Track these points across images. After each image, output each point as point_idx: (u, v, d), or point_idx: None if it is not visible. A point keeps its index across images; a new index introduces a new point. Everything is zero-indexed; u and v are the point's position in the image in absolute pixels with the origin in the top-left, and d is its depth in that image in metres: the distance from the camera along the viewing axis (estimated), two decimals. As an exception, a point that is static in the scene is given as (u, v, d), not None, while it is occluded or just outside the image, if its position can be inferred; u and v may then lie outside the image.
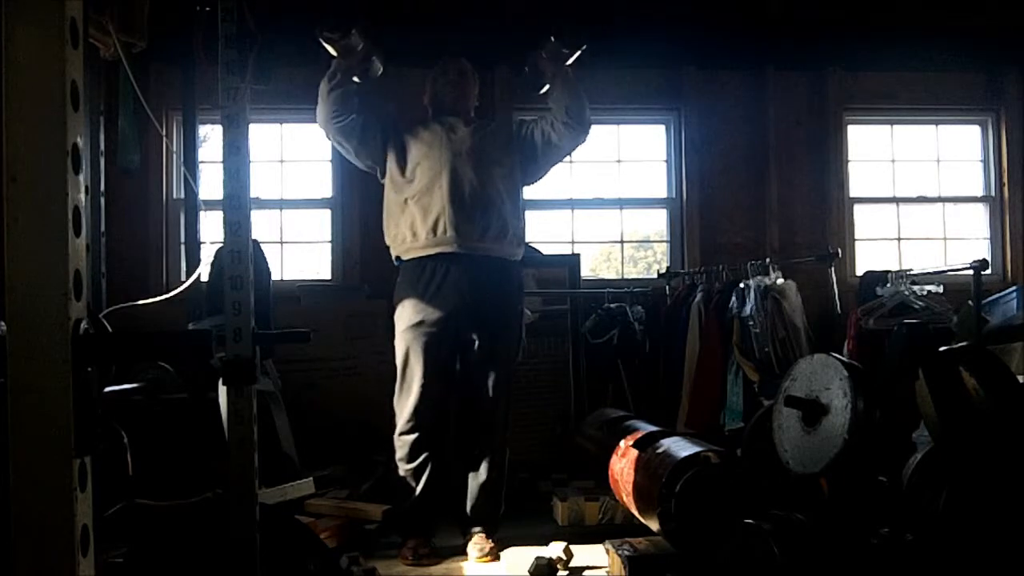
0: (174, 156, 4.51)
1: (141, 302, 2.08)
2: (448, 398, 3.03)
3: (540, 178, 3.21)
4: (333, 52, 2.89)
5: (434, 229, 2.89)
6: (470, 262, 2.89)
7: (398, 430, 2.95)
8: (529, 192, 4.76)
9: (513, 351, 3.09)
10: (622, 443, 2.87)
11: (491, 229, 2.93)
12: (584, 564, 2.70)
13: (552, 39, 2.95)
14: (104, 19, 2.17)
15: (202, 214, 3.80)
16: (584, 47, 2.95)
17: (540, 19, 3.98)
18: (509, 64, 3.96)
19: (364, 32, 2.87)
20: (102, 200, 2.98)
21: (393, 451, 2.97)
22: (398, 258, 3.02)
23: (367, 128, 3.00)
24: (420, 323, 2.89)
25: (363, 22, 2.85)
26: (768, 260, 3.92)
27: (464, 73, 3.14)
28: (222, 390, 1.64)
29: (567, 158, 4.82)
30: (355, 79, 2.96)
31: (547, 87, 3.06)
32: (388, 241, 3.04)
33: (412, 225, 2.92)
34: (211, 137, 4.63)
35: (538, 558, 2.61)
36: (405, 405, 2.93)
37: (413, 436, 2.91)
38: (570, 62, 2.99)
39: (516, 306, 3.10)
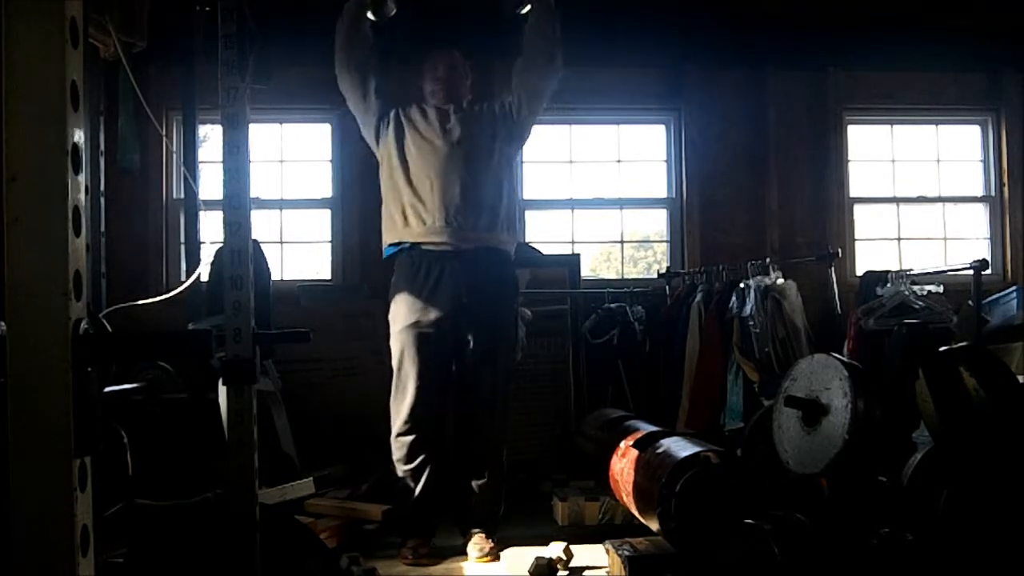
0: (174, 156, 4.51)
1: (141, 302, 2.09)
2: (445, 399, 3.03)
3: (530, 130, 3.15)
4: None
5: (425, 219, 2.90)
6: (463, 257, 2.90)
7: (395, 431, 2.95)
8: (529, 192, 4.82)
9: (510, 350, 3.09)
10: (622, 443, 2.87)
11: (482, 219, 2.93)
12: (584, 564, 2.70)
13: None
14: (104, 19, 2.17)
15: (202, 214, 3.79)
16: None
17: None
18: (508, 60, 3.95)
19: None
20: (102, 200, 2.98)
21: (392, 452, 2.97)
22: (389, 245, 3.01)
23: (379, 73, 3.05)
24: (415, 323, 2.89)
25: None
26: (768, 260, 3.92)
27: (455, 67, 3.14)
28: (222, 390, 1.64)
29: (567, 156, 4.88)
30: (370, 15, 2.99)
31: (527, 8, 3.02)
32: (383, 227, 3.05)
33: (403, 211, 2.94)
34: (211, 137, 4.63)
35: (538, 558, 2.61)
36: (401, 406, 2.93)
37: (410, 437, 2.91)
38: None
39: (512, 305, 3.10)
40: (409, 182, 2.94)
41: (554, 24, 2.98)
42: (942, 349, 2.12)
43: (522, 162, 4.70)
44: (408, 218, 2.93)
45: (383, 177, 3.05)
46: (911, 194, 5.07)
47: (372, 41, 3.03)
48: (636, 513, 2.70)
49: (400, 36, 3.30)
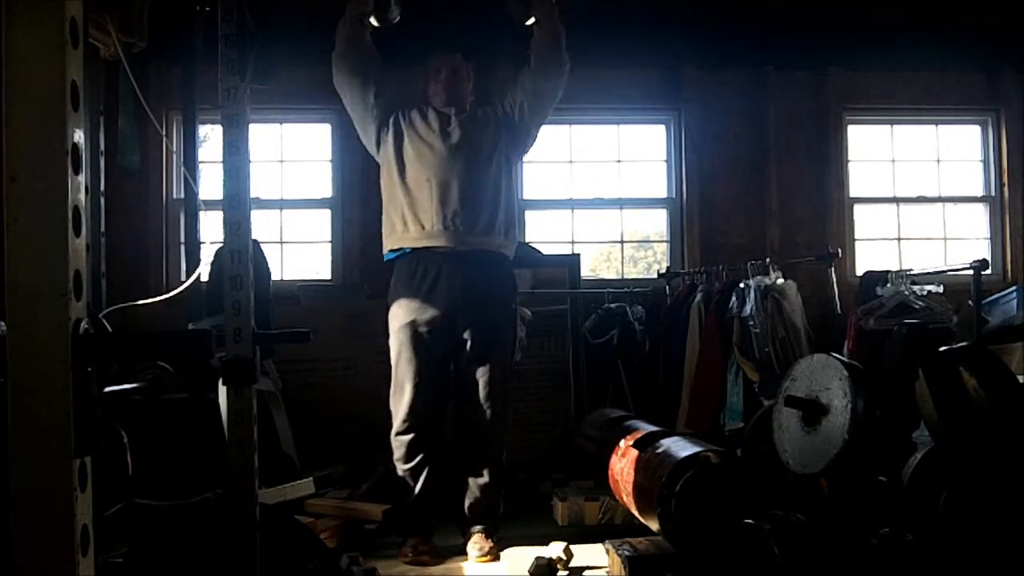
0: (174, 156, 4.51)
1: (141, 302, 2.08)
2: (443, 397, 3.03)
3: (533, 141, 3.18)
4: None
5: (423, 223, 2.90)
6: (461, 259, 2.90)
7: (394, 430, 2.95)
8: (529, 192, 4.82)
9: (508, 350, 3.09)
10: (622, 443, 2.87)
11: (480, 222, 2.94)
12: (584, 564, 2.70)
13: None
14: (104, 19, 2.16)
15: (202, 214, 3.79)
16: None
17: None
18: (509, 62, 3.97)
19: None
20: (102, 200, 2.98)
21: (392, 451, 2.98)
22: (390, 251, 3.02)
23: (379, 79, 3.02)
24: (413, 322, 2.90)
25: None
26: (768, 260, 3.92)
27: (456, 70, 3.14)
28: (222, 390, 1.64)
29: (567, 156, 4.88)
30: (373, 22, 2.99)
31: (532, 20, 3.04)
32: (383, 233, 3.05)
33: (403, 217, 2.94)
34: (211, 137, 4.63)
35: (538, 558, 2.61)
36: (400, 405, 2.93)
37: (409, 436, 2.92)
38: None
39: (510, 305, 3.10)
40: (407, 186, 2.95)
41: (559, 33, 3.00)
42: (942, 349, 2.12)
43: (522, 162, 4.69)
44: (407, 223, 2.93)
45: (383, 183, 3.05)
46: (911, 194, 5.07)
47: (373, 49, 3.02)
48: (636, 513, 2.70)
49: (402, 41, 3.29)
